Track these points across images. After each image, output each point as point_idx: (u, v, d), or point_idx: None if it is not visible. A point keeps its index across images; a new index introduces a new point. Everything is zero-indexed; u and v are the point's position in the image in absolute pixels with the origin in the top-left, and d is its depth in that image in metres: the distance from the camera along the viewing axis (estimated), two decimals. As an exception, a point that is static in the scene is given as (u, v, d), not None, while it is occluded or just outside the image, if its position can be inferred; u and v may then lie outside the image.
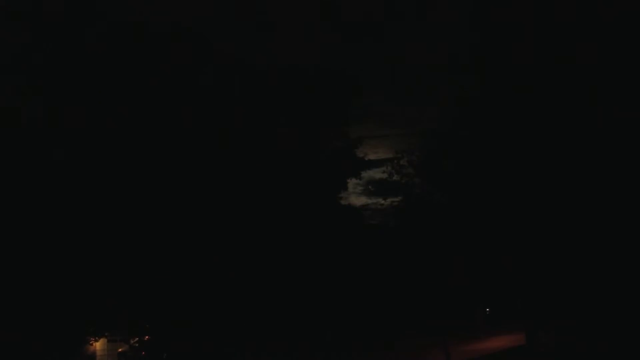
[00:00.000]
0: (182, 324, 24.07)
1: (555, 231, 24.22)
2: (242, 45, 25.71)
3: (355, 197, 30.62)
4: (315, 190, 26.83)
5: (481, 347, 33.38)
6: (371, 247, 28.71)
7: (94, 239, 22.58)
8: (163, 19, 23.86)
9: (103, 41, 23.24)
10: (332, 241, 26.54)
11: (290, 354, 27.12)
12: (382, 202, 29.90)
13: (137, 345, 26.12)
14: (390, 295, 29.80)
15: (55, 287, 22.46)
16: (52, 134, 22.82)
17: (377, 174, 30.25)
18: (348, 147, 28.20)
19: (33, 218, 22.16)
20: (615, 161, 22.83)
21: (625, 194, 22.71)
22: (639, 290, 22.95)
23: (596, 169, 23.13)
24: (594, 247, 23.39)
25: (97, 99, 23.01)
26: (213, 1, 24.80)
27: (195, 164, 23.57)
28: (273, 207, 24.82)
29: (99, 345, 30.14)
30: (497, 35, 23.68)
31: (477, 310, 28.68)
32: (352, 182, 29.81)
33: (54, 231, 22.27)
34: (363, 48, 26.51)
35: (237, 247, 24.09)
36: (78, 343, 26.65)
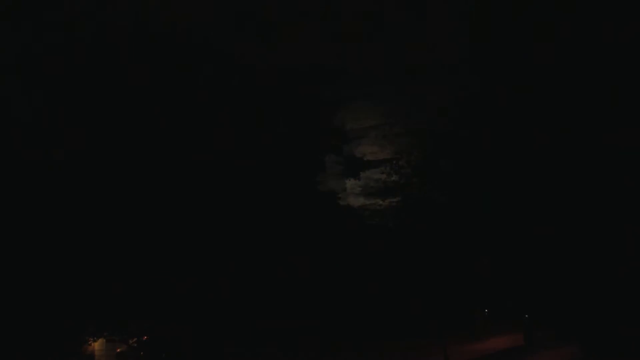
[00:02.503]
0: (181, 324, 24.14)
1: (554, 231, 24.29)
2: (234, 44, 25.21)
3: (353, 197, 30.24)
4: (313, 191, 27.23)
5: (480, 347, 33.29)
6: (370, 248, 28.67)
7: (93, 238, 22.64)
8: (161, 19, 23.72)
9: (102, 42, 23.18)
10: (331, 242, 26.72)
11: (289, 353, 27.13)
12: (381, 202, 29.69)
13: (135, 345, 26.14)
14: (388, 296, 29.69)
15: (54, 287, 22.49)
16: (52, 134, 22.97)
17: (375, 174, 29.77)
18: (346, 147, 28.34)
19: (32, 218, 22.21)
20: (614, 161, 22.94)
21: (623, 195, 22.81)
22: (636, 291, 23.10)
23: (595, 169, 23.24)
24: (593, 247, 23.54)
25: (96, 100, 23.09)
26: (210, 1, 24.02)
27: (190, 164, 23.65)
28: (270, 207, 24.91)
29: (97, 345, 29.48)
30: (496, 35, 23.76)
31: (475, 310, 28.53)
32: (350, 183, 29.75)
33: (53, 230, 22.34)
34: (361, 48, 25.71)
35: (235, 248, 24.18)
36: (77, 343, 26.58)
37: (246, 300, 24.58)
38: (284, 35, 24.22)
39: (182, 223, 23.43)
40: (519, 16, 23.42)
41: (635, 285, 23.02)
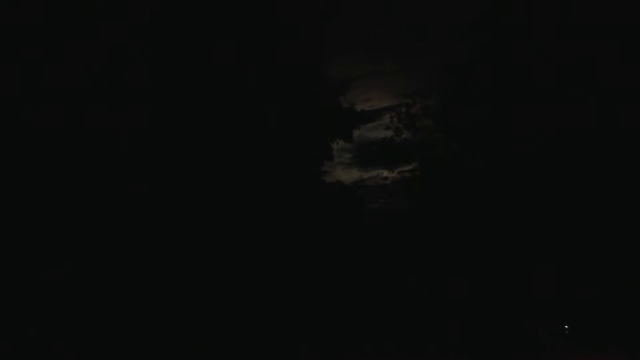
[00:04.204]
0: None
1: None
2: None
3: (342, 169, 22.77)
4: (285, 164, 20.25)
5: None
6: (373, 241, 21.39)
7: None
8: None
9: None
10: (317, 235, 20.30)
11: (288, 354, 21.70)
12: (386, 174, 22.16)
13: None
14: (402, 308, 21.36)
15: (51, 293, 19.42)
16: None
17: (373, 131, 21.91)
18: (329, 93, 20.26)
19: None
20: None
21: None
22: None
23: None
24: None
25: None
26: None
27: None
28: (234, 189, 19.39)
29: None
30: None
31: (545, 326, 20.34)
32: (336, 147, 21.84)
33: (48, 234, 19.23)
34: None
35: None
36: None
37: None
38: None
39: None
40: None
41: None
